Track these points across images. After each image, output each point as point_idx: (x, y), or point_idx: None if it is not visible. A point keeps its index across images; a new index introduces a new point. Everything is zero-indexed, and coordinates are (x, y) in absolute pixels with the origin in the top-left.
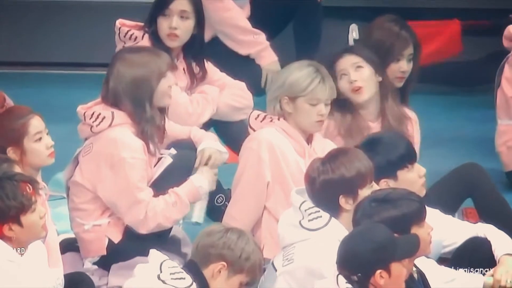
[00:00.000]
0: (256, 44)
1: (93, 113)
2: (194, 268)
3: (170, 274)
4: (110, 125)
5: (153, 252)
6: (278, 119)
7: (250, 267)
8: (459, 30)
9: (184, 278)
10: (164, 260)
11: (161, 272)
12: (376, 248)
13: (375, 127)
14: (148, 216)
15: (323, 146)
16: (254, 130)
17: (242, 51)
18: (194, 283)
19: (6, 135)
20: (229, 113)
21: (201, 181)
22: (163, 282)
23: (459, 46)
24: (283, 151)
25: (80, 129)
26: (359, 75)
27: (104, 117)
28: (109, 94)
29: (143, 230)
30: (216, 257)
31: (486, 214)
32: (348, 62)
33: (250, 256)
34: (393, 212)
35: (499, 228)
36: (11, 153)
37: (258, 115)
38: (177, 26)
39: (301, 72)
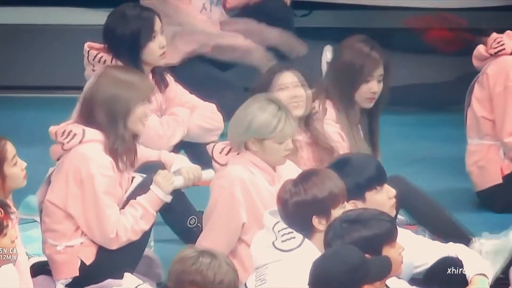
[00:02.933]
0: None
1: (64, 131)
2: None
3: None
4: (80, 142)
5: (127, 275)
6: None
7: None
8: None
9: None
10: (139, 284)
11: None
12: (349, 270)
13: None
14: (118, 235)
15: (287, 168)
16: (219, 164)
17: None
18: None
19: None
20: (200, 135)
21: (160, 190)
22: None
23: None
24: (256, 186)
25: (52, 150)
26: (299, 91)
27: (75, 134)
28: (84, 108)
29: (114, 247)
30: (189, 284)
31: (422, 222)
32: (289, 79)
33: (223, 279)
34: (364, 232)
35: (436, 233)
36: None
37: (222, 149)
38: (165, 44)
39: (265, 114)
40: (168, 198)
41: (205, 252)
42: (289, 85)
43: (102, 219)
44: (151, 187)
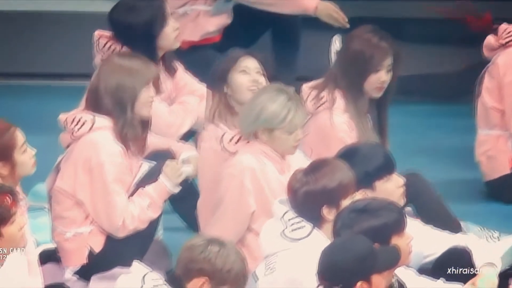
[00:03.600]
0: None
1: (73, 119)
2: (176, 283)
3: (153, 286)
4: (90, 129)
5: (135, 264)
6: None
7: (233, 278)
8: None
9: None
10: (147, 273)
11: (143, 284)
12: (357, 259)
13: None
14: (125, 223)
15: (296, 158)
16: (229, 153)
17: (284, 10)
18: None
19: None
20: None
21: (168, 180)
22: None
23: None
24: (266, 175)
25: (61, 138)
26: (260, 78)
27: (85, 121)
28: (92, 97)
29: (121, 235)
30: (198, 272)
31: (427, 221)
32: (253, 65)
33: (232, 267)
34: (373, 222)
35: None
36: (0, 168)
37: (232, 138)
38: (177, 25)
39: (275, 104)
40: (176, 189)
41: (214, 241)
42: (252, 70)
43: (110, 206)
44: (159, 177)
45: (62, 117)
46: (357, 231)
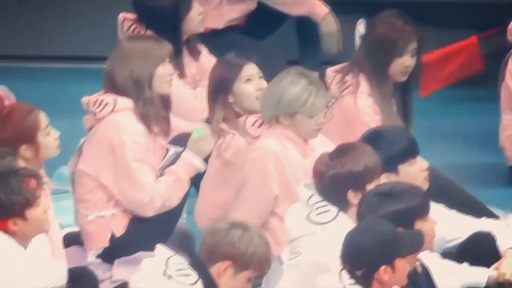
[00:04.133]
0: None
1: (96, 101)
2: (200, 266)
3: (177, 270)
4: (112, 111)
5: (159, 247)
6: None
7: (256, 262)
8: (477, 48)
9: (190, 275)
10: (171, 256)
11: (167, 267)
12: (381, 242)
13: None
14: (153, 200)
15: (319, 142)
16: (251, 137)
17: (294, 11)
18: (200, 280)
19: (19, 133)
20: None
21: (193, 156)
22: (169, 277)
23: (480, 64)
24: (289, 159)
25: (85, 120)
26: (263, 83)
27: (106, 103)
28: (109, 82)
29: (149, 213)
30: (221, 256)
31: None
32: (254, 70)
33: (256, 251)
34: (397, 206)
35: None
36: (24, 150)
37: (254, 122)
38: (202, 9)
39: (296, 88)
40: (202, 165)
41: (237, 225)
42: (255, 77)
43: (136, 185)
44: (184, 153)
45: (84, 99)
46: (381, 215)
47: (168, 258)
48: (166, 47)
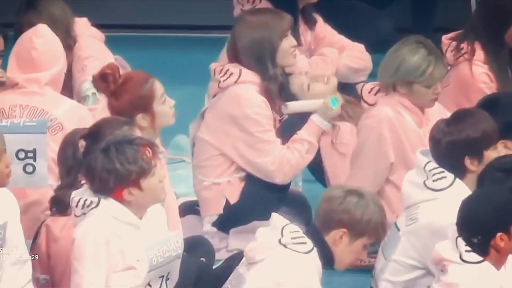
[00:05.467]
0: None
1: (222, 69)
2: (315, 234)
3: (292, 238)
4: (236, 82)
5: (274, 215)
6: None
7: (372, 229)
8: None
9: (306, 243)
10: (286, 224)
11: (282, 236)
12: (497, 210)
13: None
14: (281, 167)
15: (435, 111)
16: (367, 104)
17: None
18: (315, 248)
19: (135, 102)
20: (348, 75)
21: (322, 119)
22: (284, 246)
23: None
24: (404, 126)
25: (210, 86)
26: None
27: (232, 73)
28: (232, 54)
29: (278, 180)
30: (337, 223)
31: None
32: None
33: (371, 218)
34: None
35: None
36: (140, 119)
37: (371, 89)
38: None
39: (415, 57)
40: (328, 126)
41: (353, 191)
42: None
43: (260, 155)
44: (311, 117)
45: (212, 65)
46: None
47: (283, 227)
48: (288, 20)
